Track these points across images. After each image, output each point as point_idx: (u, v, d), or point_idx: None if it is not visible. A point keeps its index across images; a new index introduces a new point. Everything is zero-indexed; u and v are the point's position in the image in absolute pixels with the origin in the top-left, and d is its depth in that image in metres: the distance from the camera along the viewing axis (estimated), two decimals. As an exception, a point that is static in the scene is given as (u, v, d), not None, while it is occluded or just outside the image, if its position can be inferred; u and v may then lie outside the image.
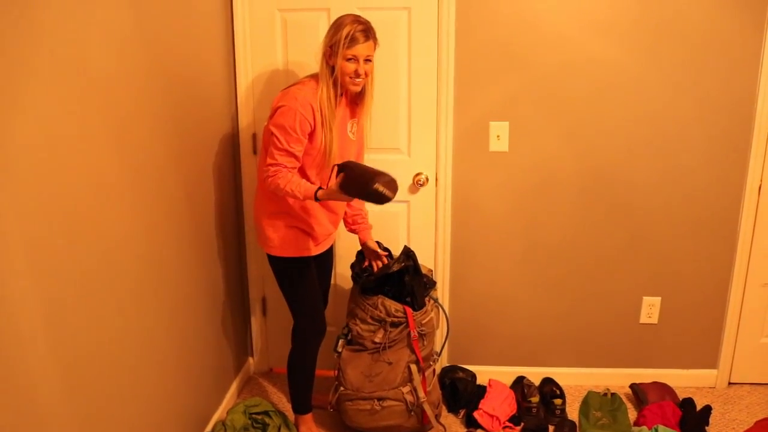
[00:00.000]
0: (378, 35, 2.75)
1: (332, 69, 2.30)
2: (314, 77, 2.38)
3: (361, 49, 2.28)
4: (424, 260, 2.88)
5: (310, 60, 2.79)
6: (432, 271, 2.88)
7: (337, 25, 2.29)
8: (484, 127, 2.83)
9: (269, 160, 2.28)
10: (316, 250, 2.51)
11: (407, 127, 2.86)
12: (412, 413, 2.58)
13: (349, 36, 2.25)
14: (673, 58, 2.71)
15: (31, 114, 1.44)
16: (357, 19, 2.30)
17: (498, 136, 2.83)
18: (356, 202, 2.63)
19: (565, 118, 2.80)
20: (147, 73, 2.00)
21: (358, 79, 2.33)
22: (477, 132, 2.84)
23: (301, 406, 2.65)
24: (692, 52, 2.70)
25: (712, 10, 2.66)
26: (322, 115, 2.30)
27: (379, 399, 2.58)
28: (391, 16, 2.75)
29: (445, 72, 2.77)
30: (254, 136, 2.92)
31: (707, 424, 2.69)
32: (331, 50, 2.29)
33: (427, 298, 2.67)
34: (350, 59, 2.28)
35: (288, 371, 2.63)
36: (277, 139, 2.25)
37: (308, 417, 2.66)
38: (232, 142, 2.86)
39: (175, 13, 2.23)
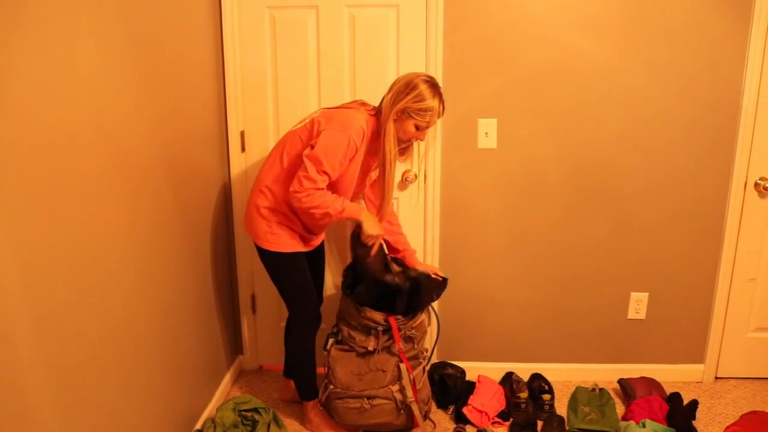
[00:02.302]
0: (366, 32, 2.80)
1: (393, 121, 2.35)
2: (366, 109, 2.40)
3: (436, 122, 2.39)
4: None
5: (299, 57, 2.80)
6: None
7: (419, 93, 2.30)
8: (473, 124, 2.84)
9: (309, 184, 2.26)
10: (307, 247, 2.54)
11: (396, 125, 2.87)
12: (402, 411, 2.59)
13: (435, 112, 2.33)
14: (660, 56, 2.73)
15: (16, 114, 1.43)
16: (439, 92, 2.35)
17: (486, 133, 2.84)
18: (394, 226, 2.73)
19: (553, 115, 2.82)
20: (135, 71, 2.00)
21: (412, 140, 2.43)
22: (465, 129, 2.85)
23: (307, 392, 2.69)
24: (678, 50, 2.72)
25: (697, 8, 2.68)
26: (386, 166, 2.35)
27: (369, 397, 2.58)
28: (380, 14, 2.76)
29: (434, 69, 2.77)
30: (242, 134, 2.91)
31: (694, 418, 2.70)
32: (404, 112, 2.32)
33: None
34: (421, 128, 2.37)
35: (293, 361, 2.72)
36: (321, 162, 2.26)
37: (316, 402, 2.70)
38: (220, 140, 2.85)
39: (164, 11, 2.22)
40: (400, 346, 2.55)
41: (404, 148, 2.48)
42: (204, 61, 2.65)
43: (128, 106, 1.96)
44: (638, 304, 3.03)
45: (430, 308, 2.86)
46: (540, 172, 2.89)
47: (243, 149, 2.93)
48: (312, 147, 2.28)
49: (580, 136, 2.84)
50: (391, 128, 2.33)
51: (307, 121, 2.42)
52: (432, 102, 2.31)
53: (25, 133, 1.46)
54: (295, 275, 2.52)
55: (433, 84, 2.34)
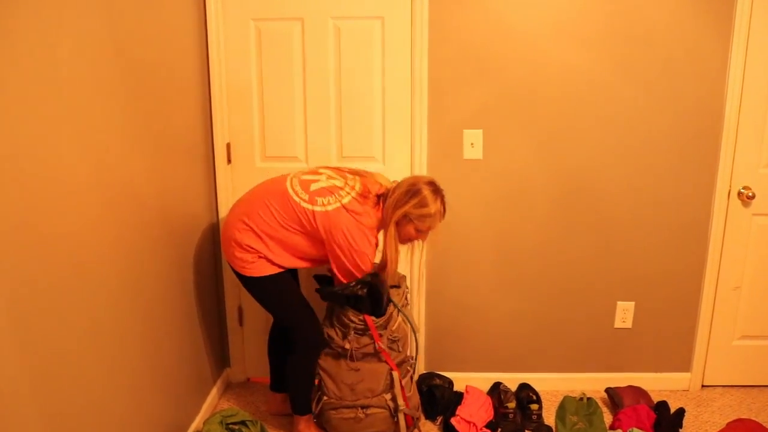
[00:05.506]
0: (352, 44, 2.81)
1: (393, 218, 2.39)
2: (371, 204, 2.40)
3: (436, 226, 2.43)
4: (399, 268, 2.88)
5: (285, 69, 2.81)
6: (404, 277, 2.89)
7: (421, 199, 2.35)
8: (458, 135, 2.85)
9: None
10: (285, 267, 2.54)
11: (382, 136, 2.88)
12: (396, 419, 2.59)
13: (436, 217, 2.39)
14: (643, 66, 2.76)
15: (8, 117, 1.43)
16: (441, 195, 2.40)
17: (472, 144, 2.86)
18: None
19: (538, 125, 2.84)
20: (120, 82, 1.99)
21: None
22: (451, 140, 2.86)
23: (302, 407, 2.66)
24: (661, 61, 2.75)
25: (680, 19, 2.71)
26: (387, 266, 2.44)
27: (363, 407, 2.58)
28: (365, 26, 2.77)
29: (419, 80, 2.79)
30: (228, 146, 2.91)
31: (681, 426, 2.72)
32: (405, 216, 2.36)
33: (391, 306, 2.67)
34: (422, 231, 2.43)
35: (289, 376, 2.65)
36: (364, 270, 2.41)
37: (309, 416, 2.69)
38: (206, 152, 2.85)
39: (149, 23, 2.22)
40: (380, 344, 2.54)
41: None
42: (190, 74, 2.65)
43: (112, 118, 1.95)
44: (624, 314, 3.04)
45: (405, 317, 2.86)
46: (526, 182, 2.90)
47: (229, 161, 2.93)
48: (342, 256, 2.35)
49: (566, 147, 2.86)
50: (392, 232, 2.38)
51: (309, 209, 2.35)
52: (433, 207, 2.36)
53: (3, 138, 1.46)
54: (288, 294, 2.51)
55: (435, 189, 2.38)
